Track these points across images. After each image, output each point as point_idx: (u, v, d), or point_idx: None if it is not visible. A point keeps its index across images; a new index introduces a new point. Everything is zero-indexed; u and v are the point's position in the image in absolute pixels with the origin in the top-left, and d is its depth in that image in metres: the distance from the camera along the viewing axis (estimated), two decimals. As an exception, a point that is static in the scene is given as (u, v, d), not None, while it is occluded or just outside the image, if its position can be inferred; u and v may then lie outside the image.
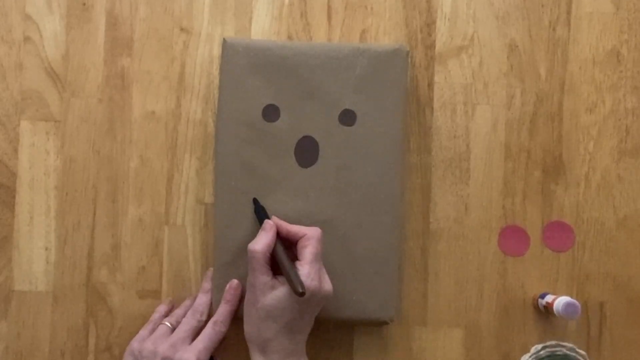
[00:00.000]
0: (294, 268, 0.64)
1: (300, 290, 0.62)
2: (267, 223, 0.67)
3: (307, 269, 0.64)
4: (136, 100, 0.75)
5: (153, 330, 0.70)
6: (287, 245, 0.67)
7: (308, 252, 0.65)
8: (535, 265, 0.75)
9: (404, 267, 0.74)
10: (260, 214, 0.69)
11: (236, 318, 0.70)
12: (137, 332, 0.71)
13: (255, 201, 0.70)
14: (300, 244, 0.66)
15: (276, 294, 0.64)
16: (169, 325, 0.70)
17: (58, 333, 0.74)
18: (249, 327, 0.66)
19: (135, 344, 0.69)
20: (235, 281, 0.69)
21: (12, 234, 0.74)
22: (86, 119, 0.75)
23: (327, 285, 0.66)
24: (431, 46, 0.76)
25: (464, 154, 0.75)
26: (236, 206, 0.70)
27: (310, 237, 0.66)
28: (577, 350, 0.72)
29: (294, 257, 0.66)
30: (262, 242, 0.66)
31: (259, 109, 0.71)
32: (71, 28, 0.75)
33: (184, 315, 0.71)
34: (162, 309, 0.73)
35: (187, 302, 0.73)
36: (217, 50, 0.75)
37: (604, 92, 0.76)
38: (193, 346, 0.67)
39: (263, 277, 0.65)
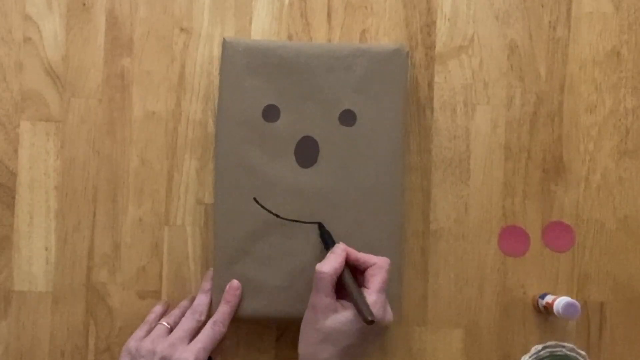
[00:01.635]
0: (363, 296, 0.64)
1: (370, 319, 0.62)
2: (339, 247, 0.67)
3: (374, 298, 0.64)
4: (136, 100, 0.75)
5: (149, 330, 0.70)
6: (353, 272, 0.67)
7: (377, 280, 0.65)
8: (535, 266, 0.75)
9: (404, 267, 0.74)
10: (326, 238, 0.69)
11: (235, 319, 0.70)
12: (137, 333, 0.71)
13: (320, 226, 0.70)
14: (369, 272, 0.66)
15: (339, 317, 0.64)
16: (166, 325, 0.70)
17: (58, 333, 0.74)
18: (305, 347, 0.65)
19: (132, 342, 0.69)
20: (235, 282, 0.69)
21: (12, 234, 0.74)
22: (86, 119, 0.75)
23: (390, 315, 0.66)
24: (431, 46, 0.76)
25: (464, 154, 0.75)
26: (236, 206, 0.70)
27: (380, 266, 0.66)
28: (577, 350, 0.72)
29: (360, 284, 0.66)
30: (331, 264, 0.65)
31: (259, 109, 0.71)
32: (71, 28, 0.75)
33: (181, 316, 0.71)
34: (158, 309, 0.73)
35: (184, 303, 0.73)
36: (217, 51, 0.75)
37: (604, 92, 0.76)
38: (192, 346, 0.67)
39: (327, 299, 0.64)
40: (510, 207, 0.75)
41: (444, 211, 0.75)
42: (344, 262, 0.66)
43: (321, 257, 0.67)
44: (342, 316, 0.64)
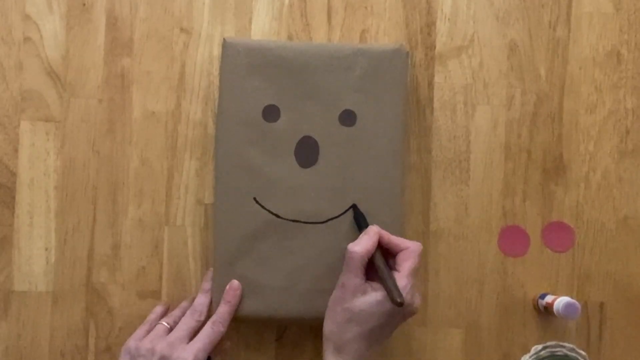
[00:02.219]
0: (393, 277, 0.64)
1: (399, 300, 0.62)
2: (372, 229, 0.67)
3: (404, 282, 0.64)
4: (136, 100, 0.75)
5: (149, 330, 0.70)
6: (384, 255, 0.67)
7: (408, 265, 0.65)
8: (535, 266, 0.75)
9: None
10: (360, 220, 0.69)
11: (235, 319, 0.70)
12: (137, 333, 0.71)
13: (354, 207, 0.70)
14: (401, 256, 0.66)
15: (367, 299, 0.64)
16: (166, 325, 0.70)
17: (58, 333, 0.74)
18: (331, 325, 0.66)
19: (132, 342, 0.69)
20: (235, 282, 0.69)
21: (12, 234, 0.74)
22: (86, 119, 0.75)
23: (418, 301, 0.66)
24: (431, 46, 0.76)
25: (464, 154, 0.75)
26: (236, 206, 0.70)
27: (413, 250, 0.66)
28: (577, 350, 0.72)
29: (390, 267, 0.66)
30: (363, 244, 0.66)
31: (259, 109, 0.71)
32: (71, 28, 0.75)
33: (181, 316, 0.71)
34: (158, 310, 0.73)
35: (184, 304, 0.73)
36: (217, 51, 0.75)
37: (604, 93, 0.76)
38: (191, 345, 0.67)
39: (357, 279, 0.65)
40: (510, 207, 0.75)
41: (444, 211, 0.75)
42: (376, 244, 0.66)
43: (331, 258, 0.68)
44: (371, 297, 0.64)
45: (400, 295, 0.63)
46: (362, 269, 0.65)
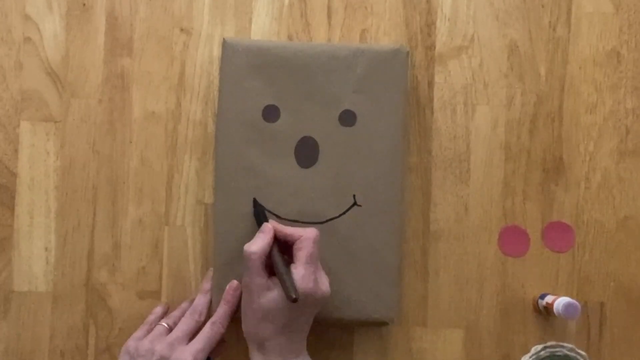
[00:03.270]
0: (289, 273, 0.64)
1: (293, 296, 0.62)
2: (266, 226, 0.67)
3: (301, 272, 0.64)
4: (136, 100, 0.75)
5: (149, 331, 0.70)
6: (285, 247, 0.67)
7: (302, 254, 0.65)
8: (535, 266, 0.75)
9: (404, 268, 0.74)
10: (259, 216, 0.69)
11: (235, 319, 0.69)
12: (137, 333, 0.71)
13: (255, 202, 0.70)
14: (295, 246, 0.66)
15: (272, 295, 0.64)
16: (165, 325, 0.70)
17: (58, 333, 0.74)
18: (247, 327, 0.67)
19: (131, 342, 0.69)
20: (235, 282, 0.69)
21: (12, 234, 0.74)
22: (86, 119, 0.75)
23: (324, 286, 0.66)
24: (431, 46, 0.76)
25: (464, 154, 0.75)
26: (236, 206, 0.70)
27: (305, 239, 0.66)
28: (577, 350, 0.72)
29: (292, 260, 0.66)
30: (258, 244, 0.66)
31: (259, 109, 0.71)
32: (71, 28, 0.75)
33: (181, 317, 0.70)
34: (158, 310, 0.73)
35: (184, 305, 0.73)
36: (217, 51, 0.75)
37: (604, 93, 0.76)
38: (190, 346, 0.67)
39: (258, 278, 0.65)
40: (510, 207, 0.75)
41: (444, 211, 0.75)
42: (272, 241, 0.66)
43: (330, 258, 0.68)
44: (275, 294, 0.64)
45: (295, 290, 0.63)
46: (262, 267, 0.65)
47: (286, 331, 0.65)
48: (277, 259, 0.66)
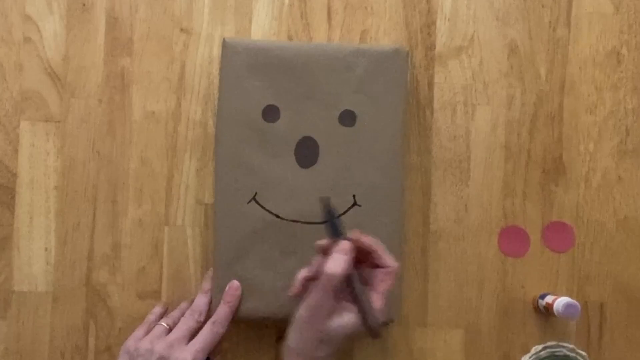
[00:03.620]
0: (371, 306, 0.62)
1: (378, 332, 0.61)
2: (347, 245, 0.63)
3: (379, 303, 0.62)
4: (136, 100, 0.75)
5: (148, 331, 0.70)
6: (359, 259, 0.64)
7: (384, 287, 0.63)
8: (535, 266, 0.75)
9: (404, 268, 0.74)
10: (336, 227, 0.64)
11: (235, 319, 0.70)
12: (137, 333, 0.71)
13: (325, 203, 0.65)
14: (379, 276, 0.63)
15: (341, 321, 0.62)
16: (165, 325, 0.70)
17: (58, 333, 0.74)
18: (299, 342, 0.63)
19: (131, 342, 0.69)
20: (235, 282, 0.69)
21: (12, 234, 0.74)
22: (86, 119, 0.75)
23: (385, 317, 0.65)
24: (431, 47, 0.76)
25: (464, 154, 0.75)
26: (236, 206, 0.70)
27: (391, 271, 0.63)
28: (578, 350, 0.72)
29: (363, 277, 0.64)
30: (341, 266, 0.61)
31: (259, 109, 0.71)
32: (71, 28, 0.75)
33: (180, 317, 0.70)
34: (157, 310, 0.73)
35: (183, 305, 0.73)
36: (217, 51, 0.75)
37: (604, 93, 0.76)
38: (190, 346, 0.67)
39: (331, 301, 0.61)
40: (510, 208, 0.75)
41: (443, 211, 0.75)
42: (352, 263, 0.63)
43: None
44: (345, 320, 0.62)
45: (377, 323, 0.61)
46: (337, 289, 0.62)
47: (336, 354, 0.63)
48: (358, 285, 0.63)
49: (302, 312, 0.63)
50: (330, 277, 0.61)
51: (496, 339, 0.74)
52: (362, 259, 0.64)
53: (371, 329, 0.61)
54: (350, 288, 0.63)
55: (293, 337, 0.64)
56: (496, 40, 0.76)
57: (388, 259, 0.63)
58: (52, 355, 0.74)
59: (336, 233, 0.64)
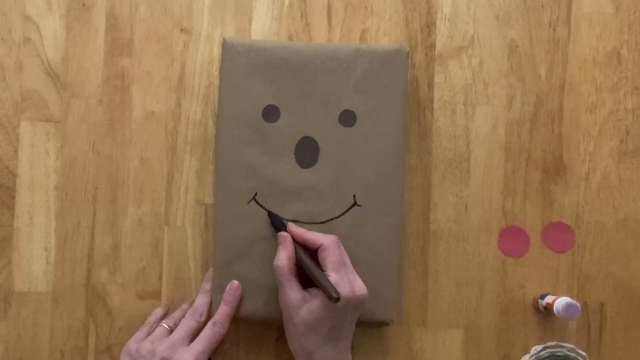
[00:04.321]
0: (324, 274, 0.64)
1: (335, 296, 0.62)
2: (281, 236, 0.67)
3: (334, 278, 0.64)
4: (136, 100, 0.75)
5: (149, 332, 0.70)
6: (308, 252, 0.67)
7: (329, 261, 0.65)
8: (535, 266, 0.75)
9: (404, 268, 0.74)
10: (278, 226, 0.69)
11: (235, 319, 0.70)
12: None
13: (270, 214, 0.70)
14: (320, 255, 0.66)
15: (310, 306, 0.64)
16: (166, 327, 0.70)
17: (58, 334, 0.74)
18: (292, 344, 0.66)
19: (132, 343, 0.69)
20: (235, 282, 0.69)
21: (12, 234, 0.74)
22: (86, 119, 0.75)
23: (360, 288, 0.65)
24: (431, 47, 0.76)
25: (464, 154, 0.75)
26: (236, 206, 0.70)
27: (327, 246, 0.66)
28: (578, 350, 0.72)
29: (317, 263, 0.66)
30: (281, 256, 0.66)
31: (259, 109, 0.71)
32: (71, 28, 0.75)
33: (181, 318, 0.70)
34: (158, 312, 0.73)
35: (184, 306, 0.72)
36: (217, 51, 0.75)
37: (604, 93, 0.76)
38: (192, 347, 0.67)
39: (293, 292, 0.65)
40: (510, 208, 0.75)
41: (444, 211, 0.75)
42: (292, 249, 0.66)
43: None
44: (313, 304, 0.64)
45: (336, 290, 0.62)
46: (294, 279, 0.65)
47: (330, 339, 0.65)
48: (308, 263, 0.66)
49: (283, 314, 0.67)
50: (278, 270, 0.65)
51: (496, 339, 0.74)
52: (311, 252, 0.67)
53: (329, 297, 0.62)
54: (308, 273, 0.65)
55: (288, 341, 0.67)
56: (496, 40, 0.76)
57: (320, 238, 0.67)
58: (52, 355, 0.74)
59: (278, 229, 0.69)
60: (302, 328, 0.65)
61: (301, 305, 0.65)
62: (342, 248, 0.67)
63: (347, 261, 0.67)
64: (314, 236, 0.67)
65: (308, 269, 0.65)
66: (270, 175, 0.70)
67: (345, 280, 0.65)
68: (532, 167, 0.75)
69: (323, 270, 0.65)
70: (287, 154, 0.71)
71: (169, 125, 0.75)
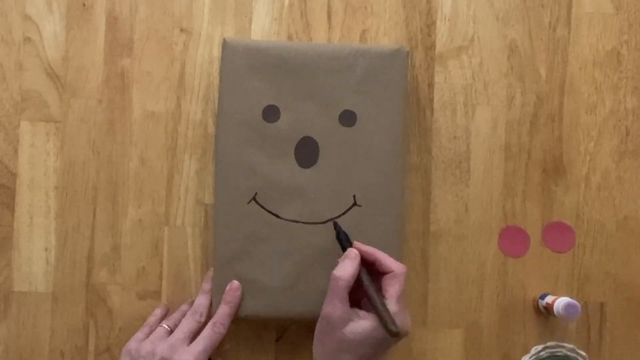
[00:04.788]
0: (385, 305, 0.63)
1: (395, 330, 0.61)
2: (352, 252, 0.66)
3: (395, 308, 0.63)
4: (136, 100, 0.75)
5: (149, 332, 0.70)
6: (368, 269, 0.66)
7: (395, 290, 0.64)
8: (535, 266, 0.75)
9: (404, 268, 0.74)
10: (342, 239, 0.68)
11: (235, 319, 0.69)
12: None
13: (336, 225, 0.69)
14: (386, 281, 0.65)
15: (357, 327, 0.63)
16: (166, 327, 0.70)
17: (58, 334, 0.74)
18: (322, 356, 0.64)
19: (132, 344, 0.69)
20: (235, 282, 0.69)
21: (12, 234, 0.74)
22: (86, 119, 0.75)
23: (408, 324, 0.65)
24: (431, 47, 0.76)
25: (464, 154, 0.75)
26: (236, 206, 0.70)
27: (397, 274, 0.64)
28: (578, 350, 0.72)
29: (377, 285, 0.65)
30: (347, 270, 0.64)
31: (259, 109, 0.71)
32: (71, 28, 0.75)
33: (181, 319, 0.70)
34: (158, 312, 0.73)
35: (184, 307, 0.72)
36: (217, 51, 0.75)
37: (604, 93, 0.76)
38: (192, 347, 0.67)
39: (344, 307, 0.63)
40: (510, 208, 0.75)
41: (444, 212, 0.75)
42: (359, 267, 0.65)
43: (330, 258, 0.67)
44: (360, 326, 0.63)
45: (394, 323, 0.61)
46: (347, 295, 0.64)
47: None
48: (371, 288, 0.64)
49: (319, 322, 0.65)
50: (337, 280, 0.63)
51: (496, 339, 0.74)
52: (371, 270, 0.66)
53: (388, 329, 0.61)
54: (366, 296, 0.64)
55: (315, 348, 0.65)
56: (496, 40, 0.76)
57: (392, 264, 0.65)
58: (52, 356, 0.74)
59: (343, 243, 0.68)
60: (339, 344, 0.63)
61: (346, 322, 0.63)
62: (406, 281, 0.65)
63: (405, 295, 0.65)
64: (386, 259, 0.65)
65: (370, 295, 0.64)
66: (270, 175, 0.70)
67: (404, 314, 0.64)
68: (532, 167, 0.75)
69: (384, 297, 0.64)
70: (287, 154, 0.71)
71: (169, 125, 0.75)
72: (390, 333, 0.61)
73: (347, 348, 0.63)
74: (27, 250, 0.74)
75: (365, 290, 0.65)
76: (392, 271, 0.65)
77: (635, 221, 0.75)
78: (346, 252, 0.66)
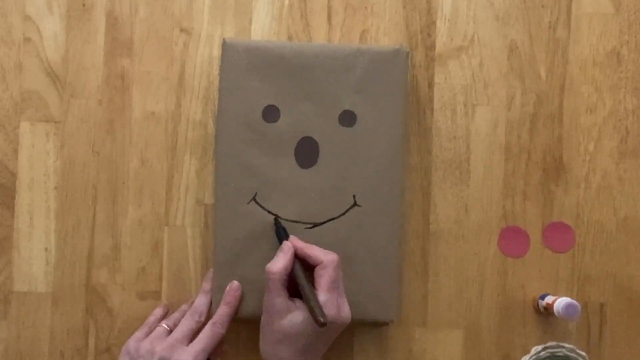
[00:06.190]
0: (316, 297, 0.64)
1: (322, 321, 0.62)
2: (285, 245, 0.67)
3: (324, 298, 0.64)
4: (136, 101, 0.75)
5: (149, 332, 0.70)
6: (305, 267, 0.67)
7: (324, 281, 0.65)
8: (535, 266, 0.75)
9: (404, 268, 0.74)
10: (281, 234, 0.69)
11: (235, 319, 0.69)
12: (137, 333, 0.71)
13: (276, 221, 0.70)
14: (317, 272, 0.66)
15: (293, 318, 0.64)
16: (166, 327, 0.70)
17: (58, 334, 0.74)
18: (265, 347, 0.66)
19: (131, 343, 0.69)
20: (235, 283, 0.69)
21: (11, 234, 0.74)
22: (86, 119, 0.75)
23: (345, 313, 0.65)
24: (431, 47, 0.76)
25: (464, 154, 0.75)
26: (236, 206, 0.70)
27: (326, 265, 0.65)
28: (578, 351, 0.72)
29: (312, 278, 0.66)
30: (279, 263, 0.65)
31: (259, 109, 0.71)
32: (71, 28, 0.75)
33: (181, 319, 0.70)
34: (158, 312, 0.73)
35: (184, 307, 0.72)
36: (217, 51, 0.75)
37: (604, 93, 0.76)
38: (191, 347, 0.67)
39: (279, 299, 0.65)
40: (510, 208, 0.75)
41: (444, 212, 0.75)
42: (292, 261, 0.66)
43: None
44: (296, 316, 0.64)
45: (323, 314, 0.62)
46: (283, 287, 0.65)
47: (304, 353, 0.65)
48: (303, 281, 0.65)
49: (262, 315, 0.67)
50: (270, 276, 0.65)
51: (496, 340, 0.74)
52: (306, 265, 0.67)
53: (316, 320, 0.62)
54: (299, 289, 0.65)
55: (260, 343, 0.67)
56: (496, 41, 0.76)
57: (321, 255, 0.66)
58: (52, 356, 0.74)
59: (281, 238, 0.68)
60: (279, 336, 0.65)
61: (284, 315, 0.64)
62: (340, 270, 0.66)
63: (341, 284, 0.66)
64: (316, 252, 0.66)
65: (301, 287, 0.65)
66: (270, 175, 0.70)
67: (334, 302, 0.64)
68: (532, 167, 0.75)
69: (315, 288, 0.65)
70: (287, 154, 0.71)
71: (169, 125, 0.75)
72: (318, 323, 0.62)
73: (287, 338, 0.64)
74: (27, 250, 0.74)
75: (297, 282, 0.66)
76: (322, 262, 0.65)
77: (635, 221, 0.75)
78: (281, 246, 0.67)
